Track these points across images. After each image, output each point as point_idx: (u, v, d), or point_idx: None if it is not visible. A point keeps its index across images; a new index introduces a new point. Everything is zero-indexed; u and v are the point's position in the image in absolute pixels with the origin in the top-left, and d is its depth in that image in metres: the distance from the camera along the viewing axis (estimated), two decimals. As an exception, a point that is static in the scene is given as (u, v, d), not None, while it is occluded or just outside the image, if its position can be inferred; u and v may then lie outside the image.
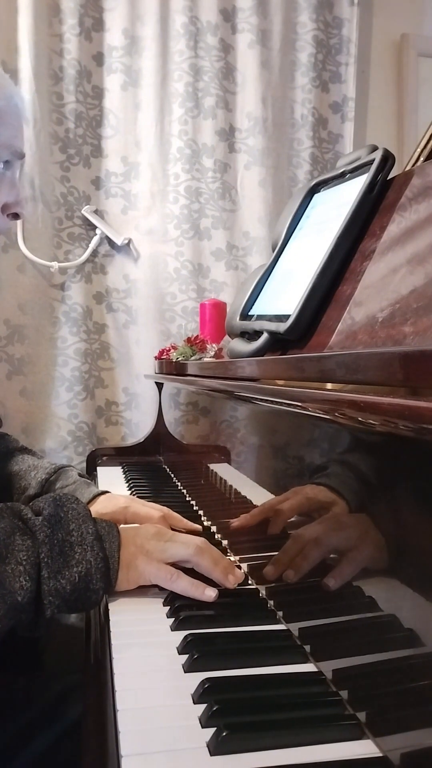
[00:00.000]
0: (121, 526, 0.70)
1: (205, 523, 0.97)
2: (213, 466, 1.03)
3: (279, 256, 0.93)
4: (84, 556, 0.63)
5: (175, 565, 0.69)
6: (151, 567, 0.68)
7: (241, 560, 0.79)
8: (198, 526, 0.88)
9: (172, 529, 0.80)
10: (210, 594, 0.67)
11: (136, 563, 0.67)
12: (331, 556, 0.56)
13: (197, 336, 1.34)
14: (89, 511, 0.69)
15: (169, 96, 1.66)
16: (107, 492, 0.91)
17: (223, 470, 0.97)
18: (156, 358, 1.48)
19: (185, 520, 0.88)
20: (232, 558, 0.81)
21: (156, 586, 0.70)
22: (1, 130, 0.85)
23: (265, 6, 1.69)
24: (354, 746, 0.44)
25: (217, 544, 0.87)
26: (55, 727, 0.79)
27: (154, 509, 0.87)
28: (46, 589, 0.60)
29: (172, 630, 0.61)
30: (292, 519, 0.66)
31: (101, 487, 1.26)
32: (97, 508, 0.87)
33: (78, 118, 1.59)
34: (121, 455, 1.54)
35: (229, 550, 0.84)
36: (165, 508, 0.88)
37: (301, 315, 0.73)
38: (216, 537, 0.90)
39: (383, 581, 0.46)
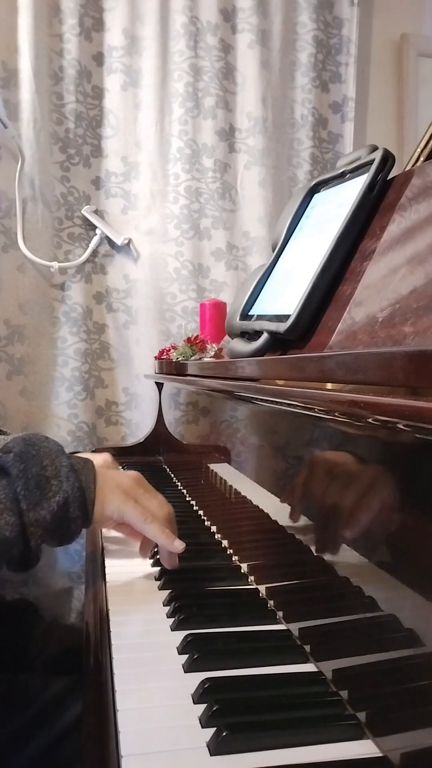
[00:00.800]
0: (98, 466, 0.71)
1: (206, 523, 0.97)
2: (213, 466, 1.03)
3: (279, 256, 0.93)
4: (60, 487, 0.64)
5: None
6: (128, 505, 0.69)
7: (244, 560, 0.79)
8: None
9: None
10: (178, 546, 0.68)
11: (112, 498, 0.68)
12: (332, 556, 0.56)
13: (197, 336, 1.34)
14: (61, 447, 0.69)
15: (169, 96, 1.65)
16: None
17: (223, 470, 0.97)
18: (156, 358, 1.48)
19: None
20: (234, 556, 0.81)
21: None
22: None
23: (265, 6, 1.69)
24: (354, 746, 0.44)
25: (217, 543, 0.87)
26: (54, 727, 0.79)
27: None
28: (27, 521, 0.61)
29: (172, 630, 0.61)
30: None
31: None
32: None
33: (78, 118, 1.59)
34: (121, 455, 1.53)
35: (230, 549, 0.84)
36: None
37: (301, 315, 0.73)
38: (216, 537, 0.90)
39: (383, 581, 0.46)
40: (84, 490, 0.66)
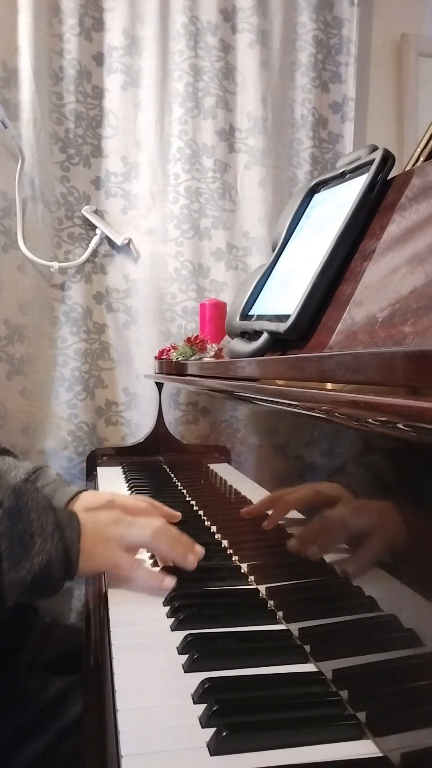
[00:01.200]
0: (81, 514, 0.70)
1: (206, 523, 0.97)
2: (213, 466, 1.03)
3: (279, 256, 0.93)
4: (44, 547, 0.64)
5: None
6: (112, 556, 0.68)
7: (242, 559, 0.79)
8: (177, 514, 0.88)
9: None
10: (168, 584, 0.67)
11: (96, 551, 0.68)
12: (332, 556, 0.56)
13: (197, 336, 1.34)
14: (49, 501, 0.69)
15: (169, 96, 1.65)
16: (85, 489, 0.91)
17: (223, 470, 0.97)
18: (156, 358, 1.48)
19: (166, 508, 0.87)
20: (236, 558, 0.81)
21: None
22: None
23: (265, 6, 1.69)
24: (354, 746, 0.44)
25: (217, 543, 0.87)
26: (55, 727, 0.79)
27: (139, 501, 0.86)
28: (7, 581, 0.61)
29: (172, 630, 0.61)
30: (294, 516, 0.66)
31: (102, 488, 1.26)
32: (83, 503, 0.86)
33: (78, 118, 1.59)
34: (121, 455, 1.54)
35: (230, 549, 0.84)
36: (148, 498, 0.88)
37: (301, 315, 0.73)
38: (216, 537, 0.90)
39: (383, 581, 0.46)
40: (68, 549, 0.65)
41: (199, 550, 0.72)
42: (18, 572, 0.61)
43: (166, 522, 0.74)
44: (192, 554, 0.71)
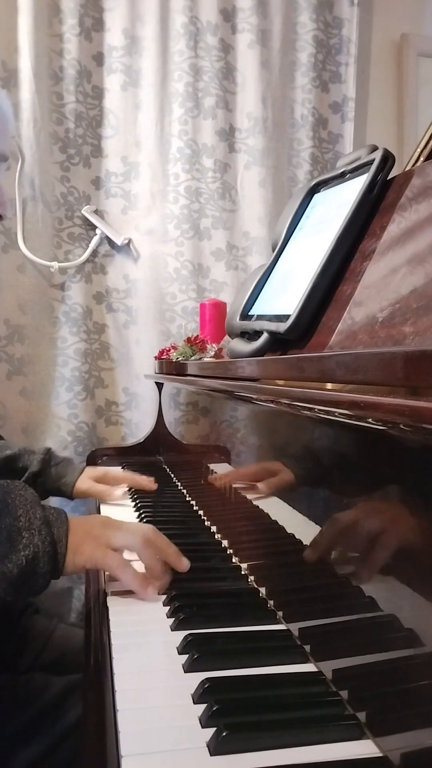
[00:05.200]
0: (70, 515, 0.70)
1: (206, 523, 0.97)
2: (213, 466, 1.03)
3: (279, 256, 0.93)
4: (32, 540, 0.64)
5: None
6: (99, 552, 0.68)
7: (242, 559, 0.79)
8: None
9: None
10: (150, 592, 0.67)
11: (83, 548, 0.68)
12: (332, 556, 0.56)
13: (197, 336, 1.34)
14: (37, 497, 0.69)
15: (169, 96, 1.65)
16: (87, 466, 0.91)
17: (223, 470, 0.97)
18: (156, 358, 1.48)
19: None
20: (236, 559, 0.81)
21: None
22: None
23: (265, 6, 1.69)
24: (354, 746, 0.44)
25: (217, 543, 0.87)
26: (55, 727, 0.79)
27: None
28: None
29: (172, 630, 0.61)
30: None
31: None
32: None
33: (78, 118, 1.59)
34: (121, 455, 1.54)
35: (230, 549, 0.84)
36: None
37: (301, 315, 0.73)
38: (216, 537, 0.90)
39: (383, 581, 0.46)
40: (55, 544, 0.65)
41: (186, 562, 0.72)
42: (5, 564, 0.61)
43: (155, 528, 0.74)
44: (184, 558, 0.71)
